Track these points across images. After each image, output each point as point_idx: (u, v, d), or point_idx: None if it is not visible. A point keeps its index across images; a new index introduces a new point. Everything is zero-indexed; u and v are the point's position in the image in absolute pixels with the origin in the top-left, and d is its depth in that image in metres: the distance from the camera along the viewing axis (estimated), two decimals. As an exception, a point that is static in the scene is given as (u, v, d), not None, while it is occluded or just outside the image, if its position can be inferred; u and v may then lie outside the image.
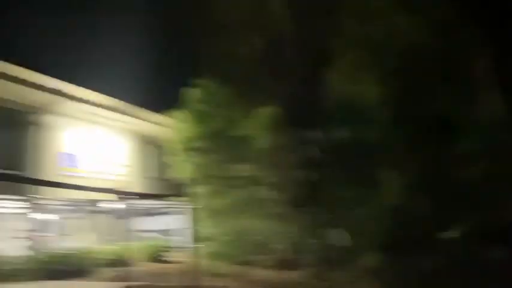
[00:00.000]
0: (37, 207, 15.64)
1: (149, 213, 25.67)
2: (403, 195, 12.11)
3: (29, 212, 15.72)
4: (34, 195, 15.30)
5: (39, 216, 15.81)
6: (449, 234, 11.10)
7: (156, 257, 15.18)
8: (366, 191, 12.42)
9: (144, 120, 19.73)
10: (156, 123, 20.14)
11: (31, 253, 13.62)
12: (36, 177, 15.10)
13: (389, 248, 11.43)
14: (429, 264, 10.73)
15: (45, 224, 18.35)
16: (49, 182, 14.36)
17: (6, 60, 13.44)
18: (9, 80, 13.79)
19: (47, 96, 15.28)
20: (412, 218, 11.62)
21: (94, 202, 16.56)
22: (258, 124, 13.82)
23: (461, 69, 12.39)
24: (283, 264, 14.05)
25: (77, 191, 14.69)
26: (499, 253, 10.05)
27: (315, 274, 11.88)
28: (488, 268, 9.40)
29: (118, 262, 12.93)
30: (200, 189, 12.91)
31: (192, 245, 5.30)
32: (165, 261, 15.10)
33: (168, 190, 18.17)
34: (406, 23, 12.73)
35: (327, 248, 11.96)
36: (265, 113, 13.93)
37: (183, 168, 13.42)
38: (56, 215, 19.62)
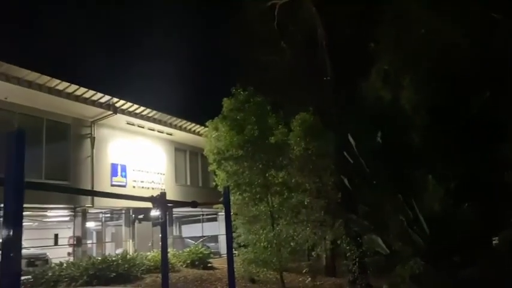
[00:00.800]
0: (82, 216, 16.27)
1: (188, 220, 26.11)
2: (447, 200, 11.66)
3: (75, 220, 16.39)
4: (80, 205, 15.96)
5: (84, 224, 16.43)
6: (496, 240, 10.53)
7: (194, 263, 15.34)
8: (407, 197, 12.06)
9: (183, 130, 20.24)
10: (194, 132, 20.61)
11: (75, 259, 14.13)
12: (84, 188, 15.74)
13: (432, 255, 10.97)
14: (475, 272, 10.20)
15: (89, 231, 19.05)
16: (93, 191, 14.93)
17: (61, 77, 14.31)
18: (62, 97, 14.74)
19: (97, 110, 16.14)
20: (457, 224, 11.14)
21: (136, 210, 17.04)
22: (294, 131, 13.83)
23: (504, 68, 11.92)
24: (321, 271, 13.81)
25: (121, 200, 15.29)
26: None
27: (353, 281, 11.59)
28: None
29: (159, 268, 13.15)
30: (237, 196, 12.99)
31: (229, 252, 5.31)
32: (203, 267, 15.22)
33: (206, 198, 18.41)
34: (442, 24, 12.45)
35: (366, 254, 11.63)
36: (301, 120, 13.92)
37: (221, 176, 13.59)
38: (100, 223, 20.36)
